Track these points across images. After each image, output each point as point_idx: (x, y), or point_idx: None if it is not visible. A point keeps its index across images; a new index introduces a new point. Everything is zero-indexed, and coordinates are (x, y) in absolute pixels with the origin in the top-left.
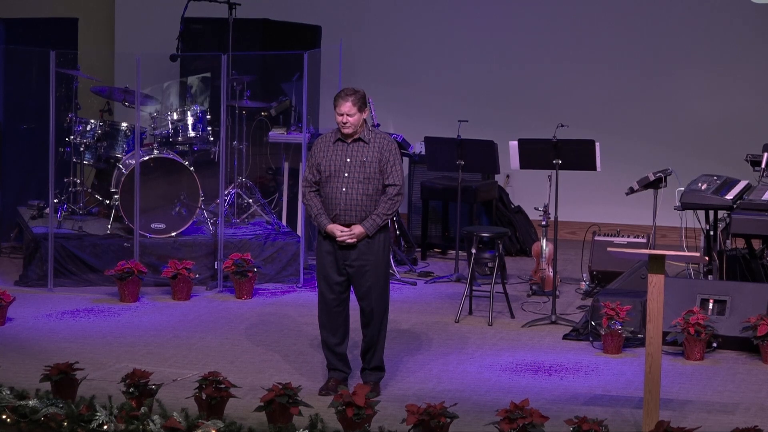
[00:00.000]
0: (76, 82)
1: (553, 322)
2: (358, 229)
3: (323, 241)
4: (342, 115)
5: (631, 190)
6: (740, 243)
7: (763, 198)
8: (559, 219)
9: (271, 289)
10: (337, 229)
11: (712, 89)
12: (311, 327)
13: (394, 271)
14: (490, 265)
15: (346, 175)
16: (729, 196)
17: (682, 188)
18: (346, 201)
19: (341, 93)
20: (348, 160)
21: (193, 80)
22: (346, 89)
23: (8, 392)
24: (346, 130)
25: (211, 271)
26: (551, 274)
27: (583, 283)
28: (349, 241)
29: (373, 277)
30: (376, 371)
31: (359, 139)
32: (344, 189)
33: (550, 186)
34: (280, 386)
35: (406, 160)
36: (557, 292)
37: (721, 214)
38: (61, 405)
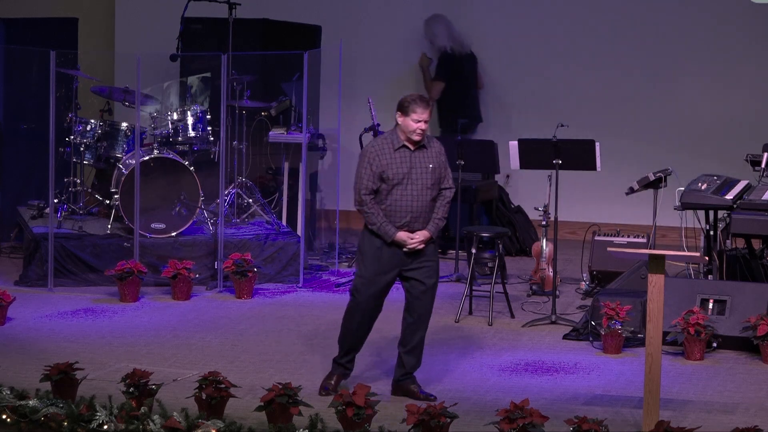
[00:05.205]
0: (76, 82)
1: (553, 322)
2: (425, 234)
3: (385, 248)
4: (420, 121)
5: (631, 190)
6: (740, 243)
7: (763, 198)
8: (559, 219)
9: (271, 289)
10: (407, 237)
11: (712, 89)
12: (311, 327)
13: None
14: (490, 265)
15: (415, 182)
16: (729, 196)
17: (682, 188)
18: (415, 208)
19: (419, 99)
20: (414, 167)
21: (193, 80)
22: (420, 95)
23: (8, 392)
24: (418, 137)
25: (211, 271)
26: (551, 274)
27: (583, 283)
28: (419, 247)
29: (435, 277)
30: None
31: (423, 146)
32: (414, 196)
33: (550, 186)
34: (280, 386)
35: None
36: (557, 292)
37: (721, 214)
38: (61, 405)
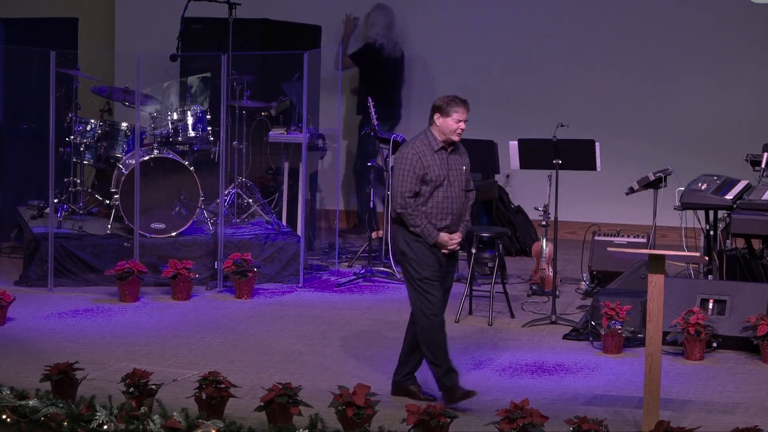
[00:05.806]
0: (76, 82)
1: (553, 322)
2: (460, 236)
3: (433, 249)
4: (461, 121)
5: (631, 190)
6: (740, 243)
7: (763, 198)
8: (559, 219)
9: (271, 289)
10: (449, 238)
11: (712, 89)
12: (311, 327)
13: (393, 270)
14: (490, 265)
15: (453, 183)
16: (729, 196)
17: (682, 188)
18: (456, 210)
19: (458, 100)
20: (451, 168)
21: (193, 80)
22: (456, 96)
23: (8, 392)
24: (457, 138)
25: (211, 271)
26: (551, 274)
27: (583, 283)
28: (457, 248)
29: (452, 281)
30: None
31: (455, 148)
32: (455, 197)
33: (550, 186)
34: (280, 386)
35: None
36: (557, 292)
37: (721, 214)
38: (61, 405)
